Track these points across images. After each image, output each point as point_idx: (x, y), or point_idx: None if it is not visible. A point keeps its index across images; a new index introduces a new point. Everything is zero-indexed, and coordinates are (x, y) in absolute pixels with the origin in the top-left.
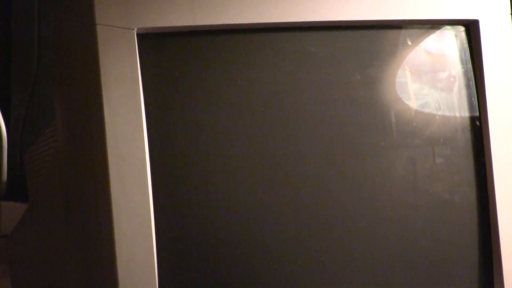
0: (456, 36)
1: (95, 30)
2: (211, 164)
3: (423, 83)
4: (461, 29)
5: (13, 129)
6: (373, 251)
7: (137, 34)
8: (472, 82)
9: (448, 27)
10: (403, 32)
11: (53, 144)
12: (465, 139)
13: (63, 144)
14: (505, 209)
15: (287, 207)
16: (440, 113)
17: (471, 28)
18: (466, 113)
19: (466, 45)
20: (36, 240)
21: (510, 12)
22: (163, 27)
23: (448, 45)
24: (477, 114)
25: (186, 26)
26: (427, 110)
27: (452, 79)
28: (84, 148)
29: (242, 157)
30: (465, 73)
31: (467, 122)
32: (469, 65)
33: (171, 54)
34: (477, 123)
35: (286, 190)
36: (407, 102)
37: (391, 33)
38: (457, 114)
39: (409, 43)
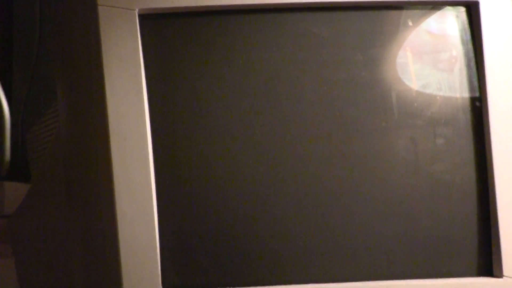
0: (457, 16)
1: (97, 10)
2: (212, 143)
3: (424, 64)
4: (462, 9)
5: (15, 110)
6: (374, 232)
7: (139, 15)
8: (473, 63)
9: (449, 7)
10: (404, 12)
11: (55, 125)
12: (465, 119)
13: (65, 125)
14: (504, 189)
15: (287, 186)
16: (441, 93)
17: (472, 9)
18: (466, 94)
19: (467, 25)
20: (38, 221)
21: None
22: (165, 8)
23: (449, 25)
24: (477, 94)
25: (188, 7)
26: (428, 90)
27: (453, 60)
28: (86, 129)
29: (244, 135)
30: (466, 54)
31: (467, 103)
32: (470, 46)
33: (172, 35)
34: (477, 103)
35: (287, 169)
36: (408, 83)
37: (393, 13)
38: (458, 95)
39: (410, 23)
